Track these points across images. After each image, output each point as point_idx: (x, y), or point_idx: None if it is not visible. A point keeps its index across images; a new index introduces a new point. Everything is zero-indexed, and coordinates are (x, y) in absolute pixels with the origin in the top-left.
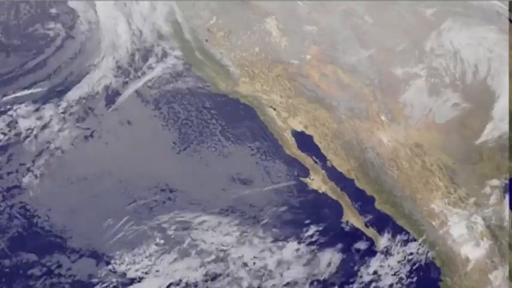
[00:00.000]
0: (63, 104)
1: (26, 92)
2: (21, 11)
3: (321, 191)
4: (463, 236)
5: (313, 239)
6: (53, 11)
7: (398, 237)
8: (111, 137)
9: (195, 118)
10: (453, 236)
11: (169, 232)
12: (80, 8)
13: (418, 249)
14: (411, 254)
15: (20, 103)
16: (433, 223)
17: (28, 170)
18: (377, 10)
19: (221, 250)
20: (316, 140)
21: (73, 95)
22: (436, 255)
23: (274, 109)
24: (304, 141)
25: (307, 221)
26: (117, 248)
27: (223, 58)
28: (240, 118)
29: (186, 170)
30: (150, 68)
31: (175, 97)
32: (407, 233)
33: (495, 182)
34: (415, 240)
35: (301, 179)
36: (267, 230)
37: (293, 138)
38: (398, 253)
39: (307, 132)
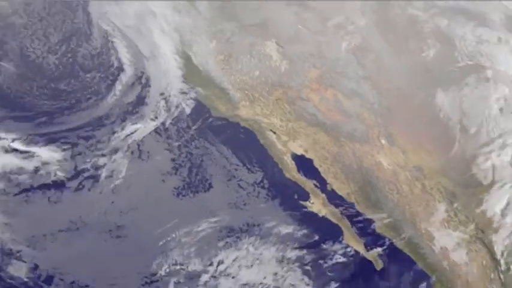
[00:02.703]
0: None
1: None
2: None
3: (321, 215)
4: (463, 260)
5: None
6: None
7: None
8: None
9: (196, 143)
10: (453, 259)
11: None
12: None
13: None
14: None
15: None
16: (433, 247)
17: None
18: (378, 33)
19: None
20: (316, 163)
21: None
22: (436, 279)
23: (274, 133)
24: (304, 164)
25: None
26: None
27: (224, 82)
28: (240, 142)
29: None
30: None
31: (176, 123)
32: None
33: (495, 205)
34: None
35: (301, 202)
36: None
37: (293, 162)
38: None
39: (307, 155)
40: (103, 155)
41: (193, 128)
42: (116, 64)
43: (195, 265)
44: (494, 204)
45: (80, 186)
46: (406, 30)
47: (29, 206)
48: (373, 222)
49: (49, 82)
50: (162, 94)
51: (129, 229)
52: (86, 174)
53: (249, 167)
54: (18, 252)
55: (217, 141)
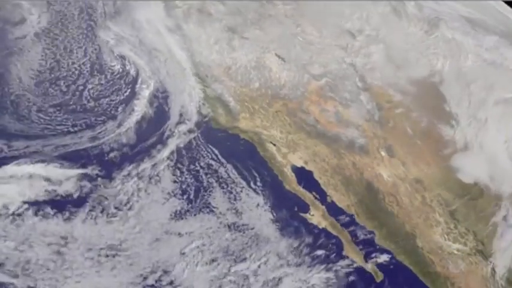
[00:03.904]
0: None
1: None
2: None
3: (320, 227)
4: (463, 272)
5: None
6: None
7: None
8: None
9: (195, 155)
10: (453, 271)
11: None
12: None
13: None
14: None
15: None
16: (433, 259)
17: None
18: (381, 45)
19: None
20: (316, 175)
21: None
22: None
23: (274, 145)
24: (304, 176)
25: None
26: None
27: (224, 94)
28: (240, 155)
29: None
30: None
31: (187, 141)
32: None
33: (496, 217)
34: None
35: (301, 214)
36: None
37: (293, 174)
38: None
39: (307, 167)
40: (116, 178)
41: (200, 143)
42: (129, 83)
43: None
44: (494, 216)
45: (83, 206)
46: (409, 42)
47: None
48: (373, 234)
49: (56, 107)
50: (180, 115)
51: (121, 248)
52: (91, 195)
53: (251, 185)
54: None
55: (218, 156)
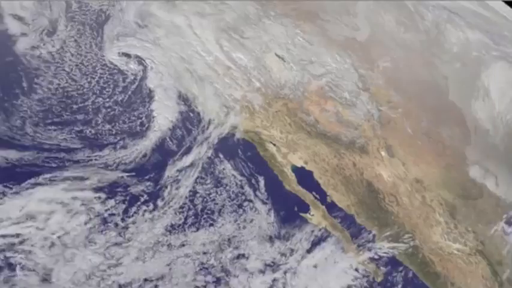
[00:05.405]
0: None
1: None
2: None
3: (321, 227)
4: (463, 272)
5: None
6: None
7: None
8: None
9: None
10: (453, 271)
11: None
12: None
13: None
14: None
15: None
16: (433, 259)
17: None
18: (379, 44)
19: None
20: (316, 175)
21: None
22: None
23: (274, 145)
24: (305, 176)
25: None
26: None
27: (224, 93)
28: (240, 155)
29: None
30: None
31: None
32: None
33: (495, 217)
34: (415, 275)
35: (301, 214)
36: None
37: (293, 174)
38: None
39: (307, 167)
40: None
41: (206, 146)
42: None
43: None
44: (494, 216)
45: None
46: (410, 42)
47: None
48: (373, 234)
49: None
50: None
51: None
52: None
53: (257, 193)
54: None
55: (219, 157)
